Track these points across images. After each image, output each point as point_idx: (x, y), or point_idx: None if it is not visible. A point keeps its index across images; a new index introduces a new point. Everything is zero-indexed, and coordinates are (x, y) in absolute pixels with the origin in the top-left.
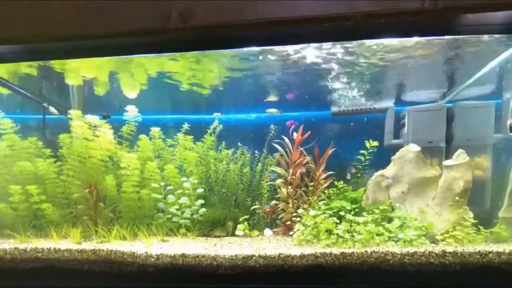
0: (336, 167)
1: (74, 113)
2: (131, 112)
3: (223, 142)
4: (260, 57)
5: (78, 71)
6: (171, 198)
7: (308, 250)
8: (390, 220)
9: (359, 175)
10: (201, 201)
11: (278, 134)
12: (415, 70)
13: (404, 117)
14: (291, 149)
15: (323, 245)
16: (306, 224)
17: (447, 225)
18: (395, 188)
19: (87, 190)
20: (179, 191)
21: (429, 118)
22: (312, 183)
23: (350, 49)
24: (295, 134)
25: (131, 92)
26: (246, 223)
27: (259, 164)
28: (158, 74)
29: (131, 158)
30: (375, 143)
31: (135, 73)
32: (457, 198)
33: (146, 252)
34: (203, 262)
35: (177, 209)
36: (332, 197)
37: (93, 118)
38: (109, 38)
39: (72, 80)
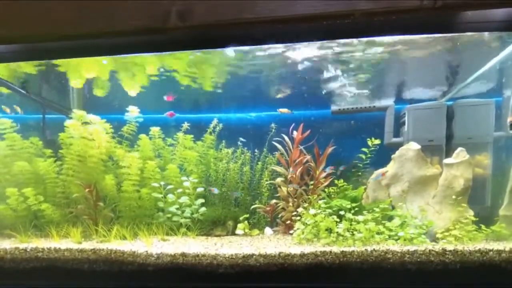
0: (336, 165)
1: (78, 113)
2: (133, 113)
3: (223, 141)
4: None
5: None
6: (171, 197)
7: (308, 248)
8: (390, 218)
9: (359, 173)
10: (201, 200)
11: (278, 133)
12: (415, 68)
13: (404, 115)
14: (291, 148)
15: (323, 244)
16: (306, 223)
17: (447, 223)
18: (395, 187)
19: (87, 190)
20: (179, 190)
21: (429, 116)
22: (312, 182)
23: (350, 47)
24: (294, 132)
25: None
26: (246, 222)
27: (259, 163)
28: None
29: (132, 158)
30: (377, 141)
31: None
32: (457, 196)
33: (146, 251)
34: (203, 261)
35: (177, 208)
36: (332, 196)
37: (93, 118)
38: (108, 37)
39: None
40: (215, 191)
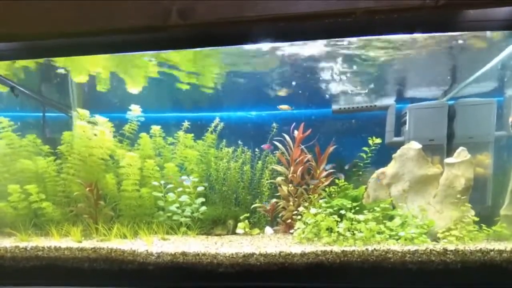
0: (337, 165)
1: (81, 112)
2: (135, 111)
3: (224, 140)
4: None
5: None
6: (171, 196)
7: (308, 248)
8: (391, 218)
9: (360, 172)
10: (201, 199)
11: (279, 132)
12: (416, 67)
13: (406, 114)
14: (292, 147)
15: (324, 243)
16: (307, 222)
17: (448, 223)
18: (396, 186)
19: (87, 189)
20: (180, 189)
21: (430, 116)
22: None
23: (351, 45)
24: (295, 132)
25: None
26: (246, 221)
27: (260, 162)
28: None
29: (131, 157)
30: (378, 140)
31: None
32: (458, 196)
33: (147, 250)
34: (203, 260)
35: (177, 207)
36: (333, 195)
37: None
38: (109, 35)
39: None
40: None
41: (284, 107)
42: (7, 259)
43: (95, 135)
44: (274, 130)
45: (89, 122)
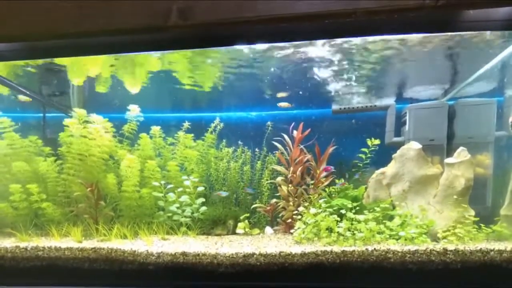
0: (337, 165)
1: (78, 112)
2: (133, 111)
3: (224, 140)
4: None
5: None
6: (171, 196)
7: (309, 248)
8: (391, 218)
9: (360, 172)
10: (201, 200)
11: (279, 132)
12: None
13: (405, 114)
14: (291, 147)
15: (324, 243)
16: (307, 222)
17: (448, 223)
18: (396, 186)
19: (88, 189)
20: (180, 189)
21: (430, 116)
22: (312, 181)
23: (350, 45)
24: (295, 132)
25: None
26: (246, 221)
27: (259, 162)
28: None
29: (131, 159)
30: (377, 141)
31: None
32: (458, 196)
33: (147, 250)
34: (203, 260)
35: (177, 208)
36: (333, 195)
37: (96, 117)
38: (109, 35)
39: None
40: (223, 194)
41: (283, 104)
42: (7, 259)
43: (91, 133)
44: (269, 128)
45: (85, 121)
